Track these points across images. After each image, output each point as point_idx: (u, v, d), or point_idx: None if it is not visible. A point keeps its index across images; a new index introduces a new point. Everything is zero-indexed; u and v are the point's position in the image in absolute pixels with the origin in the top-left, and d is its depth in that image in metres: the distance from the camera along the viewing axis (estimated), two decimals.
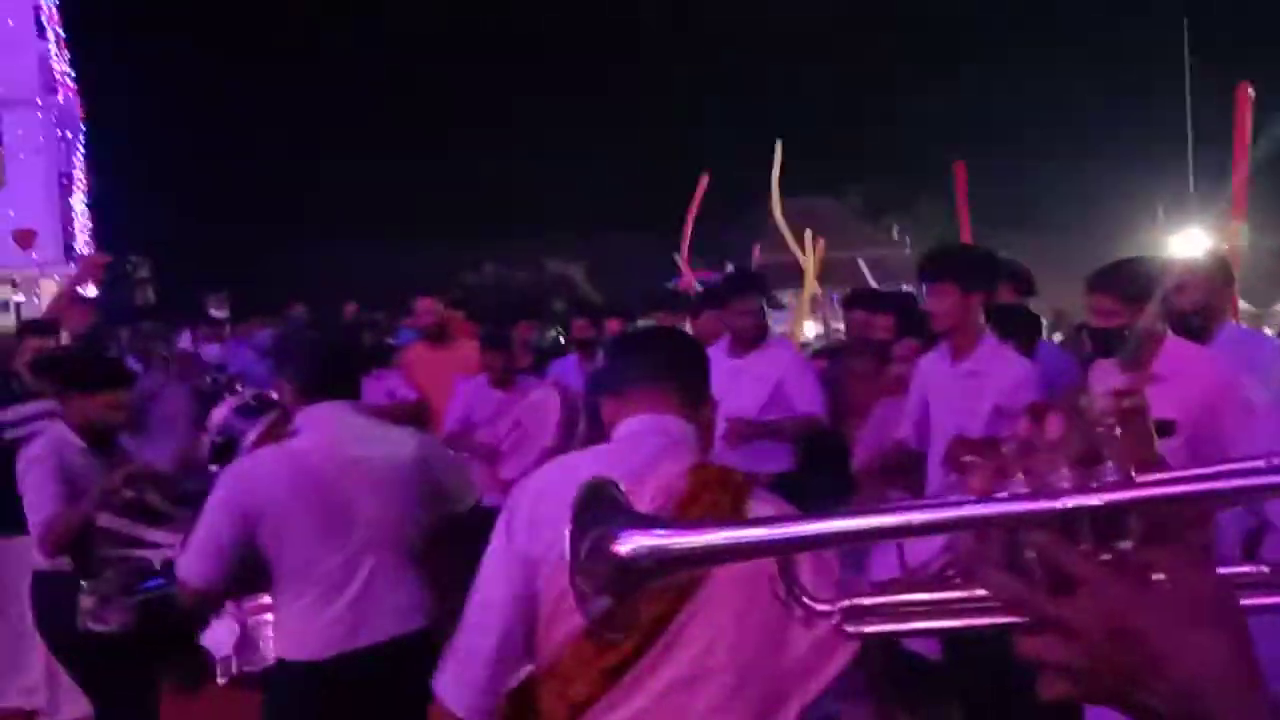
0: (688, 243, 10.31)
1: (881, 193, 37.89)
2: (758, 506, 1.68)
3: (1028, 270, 4.62)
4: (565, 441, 4.93)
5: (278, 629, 2.56)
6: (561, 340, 7.87)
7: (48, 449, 3.36)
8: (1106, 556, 0.67)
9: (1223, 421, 2.65)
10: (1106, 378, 3.06)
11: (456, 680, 1.72)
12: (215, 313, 8.37)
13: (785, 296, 13.04)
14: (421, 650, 2.26)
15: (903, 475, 3.79)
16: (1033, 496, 0.69)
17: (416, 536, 2.63)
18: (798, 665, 1.61)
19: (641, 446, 1.73)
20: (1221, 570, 0.73)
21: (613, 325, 6.66)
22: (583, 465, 1.75)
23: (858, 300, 5.05)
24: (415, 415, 5.55)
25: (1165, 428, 2.82)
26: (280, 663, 2.55)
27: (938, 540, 0.76)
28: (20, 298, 17.76)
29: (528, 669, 1.76)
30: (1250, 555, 2.41)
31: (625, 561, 0.77)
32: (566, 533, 0.90)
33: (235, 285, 8.98)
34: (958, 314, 3.33)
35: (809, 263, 10.49)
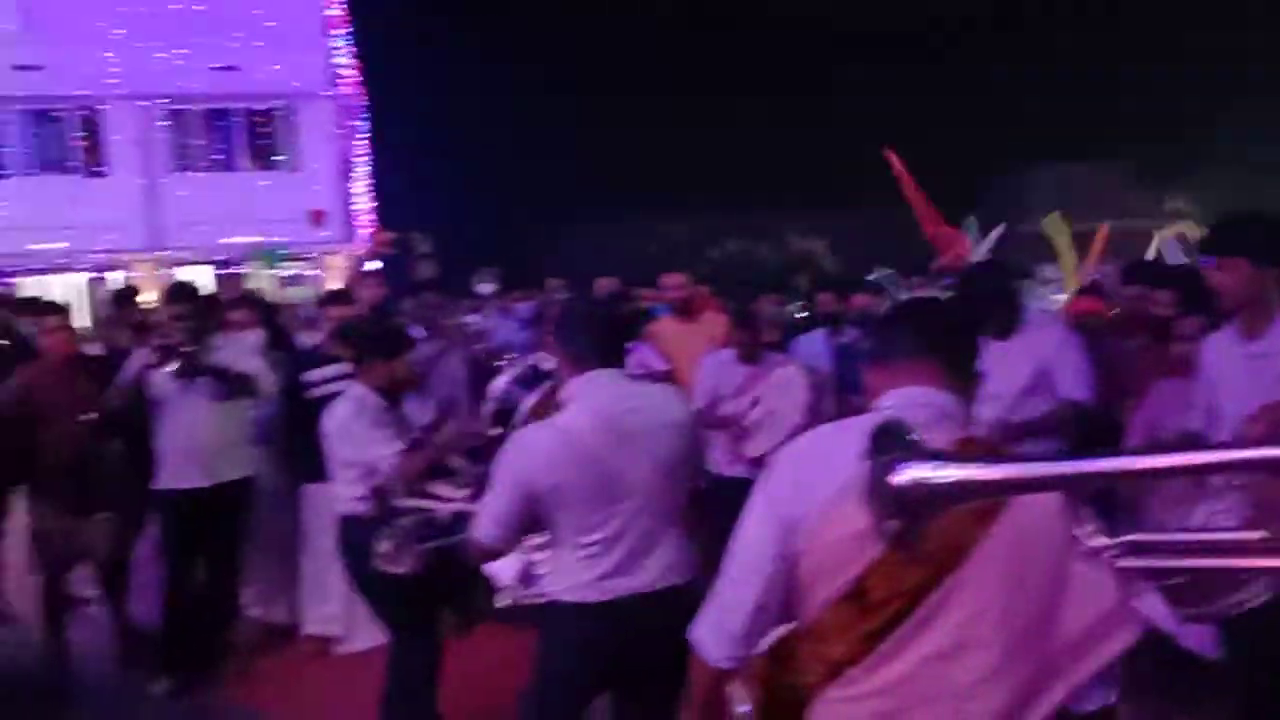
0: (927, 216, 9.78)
1: (1157, 159, 34.69)
2: None
3: None
4: (811, 419, 4.94)
5: (552, 571, 2.78)
6: (805, 315, 7.88)
7: (359, 406, 3.79)
8: None
9: None
10: None
11: (713, 631, 1.81)
12: (482, 288, 8.96)
13: (1046, 270, 12.25)
14: (683, 602, 2.39)
15: None
16: None
17: (681, 495, 2.78)
18: (1070, 645, 1.58)
19: (906, 418, 1.74)
20: None
21: (858, 300, 6.58)
22: (845, 434, 1.74)
23: (1136, 273, 4.74)
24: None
25: None
26: (552, 602, 2.77)
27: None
28: (313, 272, 19.74)
29: (785, 628, 1.82)
30: None
31: (905, 490, 0.83)
32: (861, 465, 0.95)
33: (502, 262, 9.57)
34: (1249, 290, 3.06)
35: (1063, 241, 9.82)
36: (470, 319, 7.92)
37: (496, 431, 3.05)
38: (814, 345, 6.03)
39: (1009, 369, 4.27)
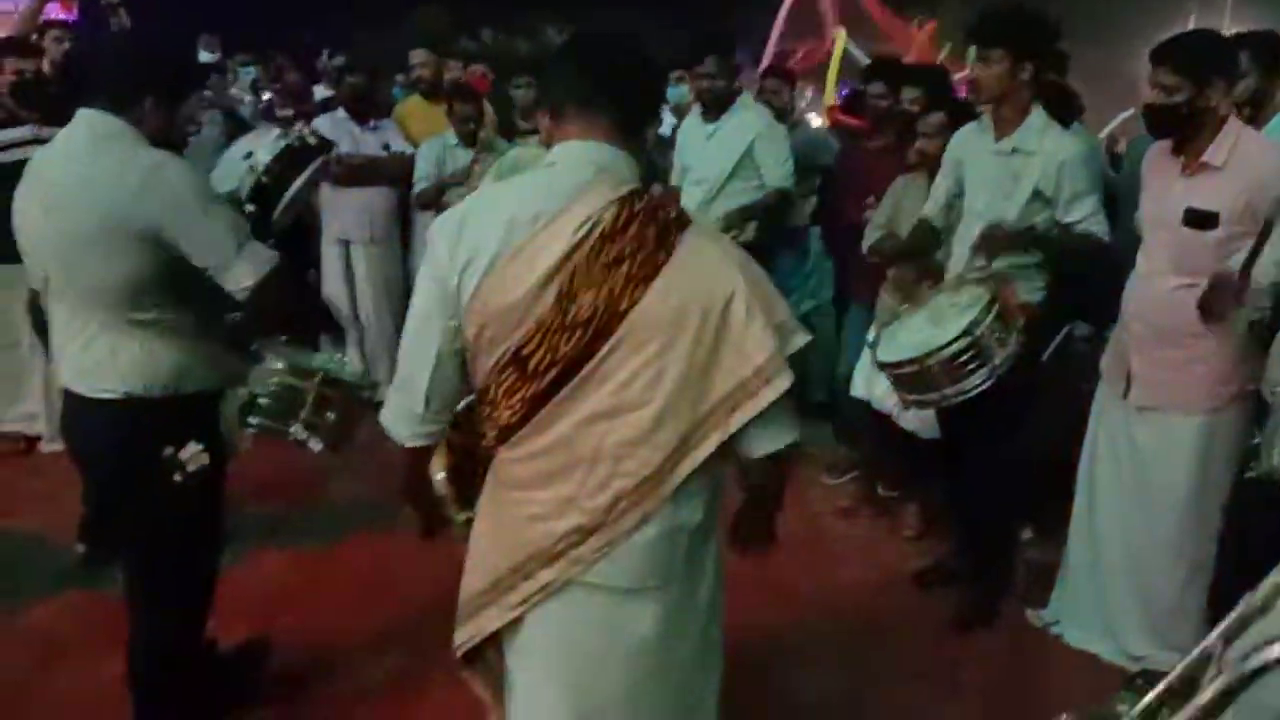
0: None
1: None
2: (686, 243, 1.63)
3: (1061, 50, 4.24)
4: None
5: None
6: None
7: None
8: None
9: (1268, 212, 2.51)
10: (1161, 163, 2.88)
11: (399, 413, 1.78)
12: (206, 55, 7.82)
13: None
14: None
15: (914, 257, 3.66)
16: None
17: None
18: (723, 398, 1.63)
19: (574, 173, 1.65)
20: None
21: None
22: (509, 192, 1.71)
23: (878, 72, 4.68)
24: (411, 166, 5.33)
25: (1208, 220, 2.69)
26: None
27: None
28: None
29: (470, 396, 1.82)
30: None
31: None
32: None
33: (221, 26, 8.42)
34: (1005, 84, 3.04)
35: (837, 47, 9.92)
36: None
37: (252, 209, 2.70)
38: None
39: (718, 151, 4.34)
